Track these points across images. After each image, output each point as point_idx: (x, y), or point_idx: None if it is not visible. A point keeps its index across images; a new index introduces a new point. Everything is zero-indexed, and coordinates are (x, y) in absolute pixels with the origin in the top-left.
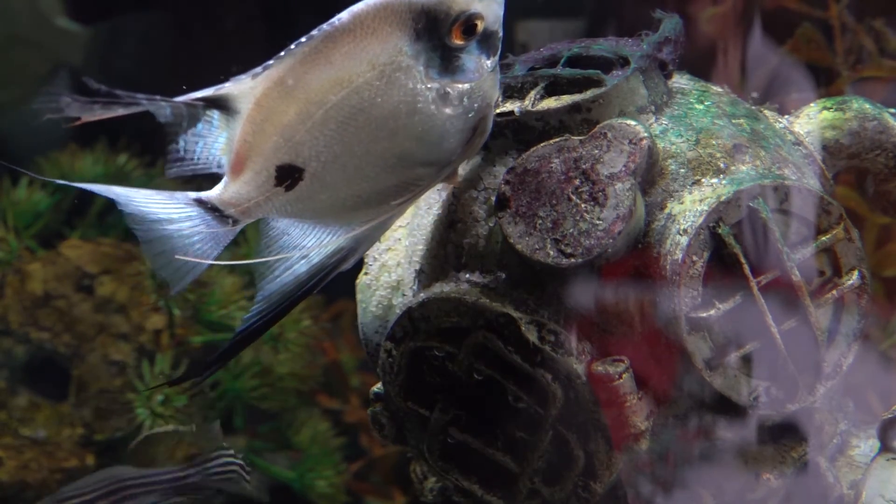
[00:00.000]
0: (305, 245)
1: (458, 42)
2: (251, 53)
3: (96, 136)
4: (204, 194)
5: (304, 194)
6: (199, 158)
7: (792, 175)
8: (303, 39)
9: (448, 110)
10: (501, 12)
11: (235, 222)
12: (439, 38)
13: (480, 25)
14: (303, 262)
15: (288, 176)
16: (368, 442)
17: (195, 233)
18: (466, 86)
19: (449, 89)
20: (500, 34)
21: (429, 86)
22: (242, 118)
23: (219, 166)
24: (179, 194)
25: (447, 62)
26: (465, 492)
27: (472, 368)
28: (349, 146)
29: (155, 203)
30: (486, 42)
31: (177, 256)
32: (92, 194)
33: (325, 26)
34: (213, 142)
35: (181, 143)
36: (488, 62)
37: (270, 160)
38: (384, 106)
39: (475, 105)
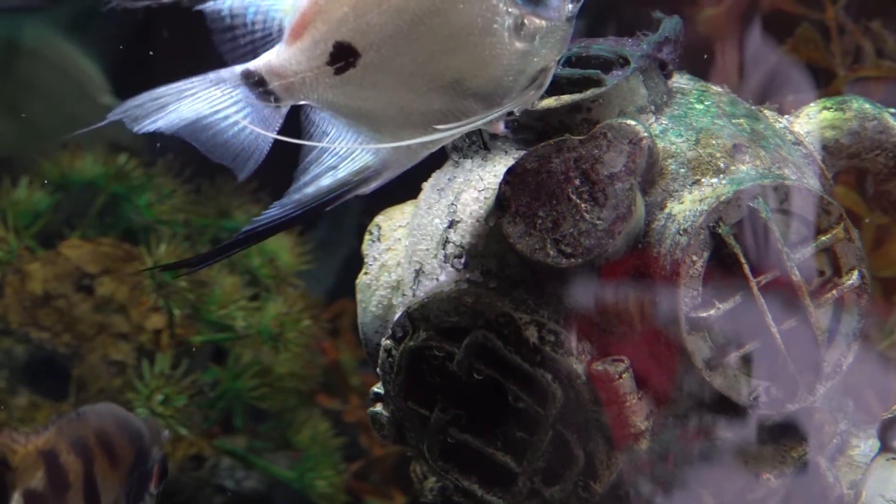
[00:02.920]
0: (338, 153)
1: None
2: None
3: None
4: (251, 64)
5: (351, 83)
6: (252, 22)
7: (792, 175)
8: None
9: (519, 44)
10: None
11: (279, 101)
12: None
13: None
14: (329, 174)
15: (343, 56)
16: (368, 442)
17: (243, 116)
18: (543, 23)
19: (527, 21)
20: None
21: (510, 9)
22: None
23: (279, 29)
24: (224, 71)
25: None
26: (465, 492)
27: (472, 368)
28: (413, 46)
29: (194, 95)
30: None
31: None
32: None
33: None
34: (275, 1)
35: (226, 4)
36: (570, 5)
37: (333, 32)
38: (462, 14)
39: (543, 50)
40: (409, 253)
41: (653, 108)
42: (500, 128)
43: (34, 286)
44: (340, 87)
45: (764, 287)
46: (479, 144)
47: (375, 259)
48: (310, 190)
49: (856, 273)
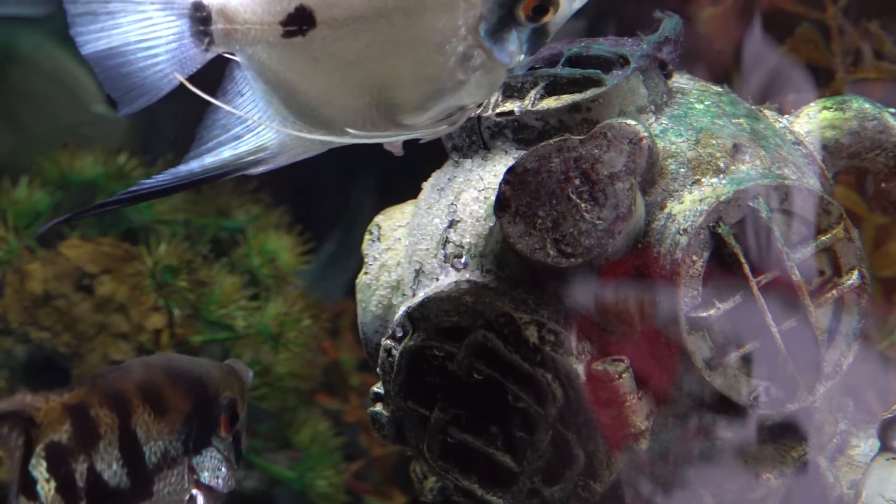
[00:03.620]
0: (247, 124)
1: (523, 16)
2: None
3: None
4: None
5: (292, 50)
6: None
7: (792, 175)
8: None
9: (460, 74)
10: (570, 14)
11: (211, 45)
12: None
13: (551, 14)
14: (232, 143)
15: (299, 21)
16: (368, 442)
17: (167, 50)
18: (488, 62)
19: (476, 54)
20: (547, 40)
21: (469, 37)
22: None
23: None
24: None
25: (499, 28)
26: (465, 491)
27: (472, 368)
28: (368, 35)
29: (139, 7)
30: (539, 35)
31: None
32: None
33: None
34: None
35: None
36: (520, 58)
37: None
38: (426, 22)
39: (475, 89)
40: (409, 253)
41: (653, 107)
42: (398, 149)
43: (34, 286)
44: (280, 50)
45: (764, 287)
46: (479, 144)
47: (375, 259)
48: (209, 159)
49: (856, 273)
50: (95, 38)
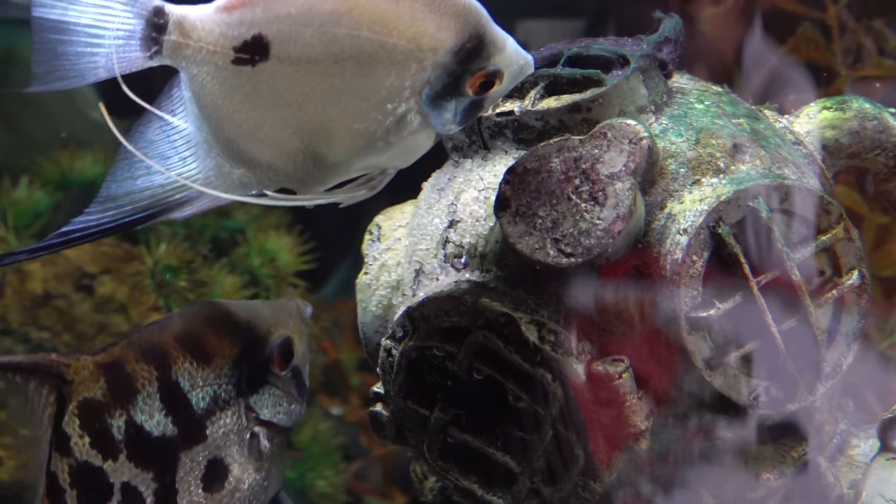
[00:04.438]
0: (178, 154)
1: (469, 91)
2: None
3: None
4: (169, 6)
5: (238, 78)
6: None
7: (792, 175)
8: None
9: (392, 136)
10: (518, 80)
11: (157, 54)
12: (464, 69)
13: (496, 87)
14: (157, 177)
15: (251, 50)
16: (368, 442)
17: (111, 44)
18: (422, 127)
19: (411, 117)
20: (481, 112)
21: (411, 99)
22: None
23: None
24: None
25: (441, 96)
26: (465, 491)
27: (472, 368)
28: (316, 78)
29: None
30: (475, 107)
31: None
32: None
33: None
34: None
35: None
36: (452, 126)
37: (262, 23)
38: (376, 74)
39: (401, 152)
40: (409, 253)
41: (653, 107)
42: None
43: (34, 286)
44: (225, 76)
45: (764, 287)
46: (479, 144)
47: (375, 259)
48: (140, 184)
49: (856, 273)
50: (51, 6)
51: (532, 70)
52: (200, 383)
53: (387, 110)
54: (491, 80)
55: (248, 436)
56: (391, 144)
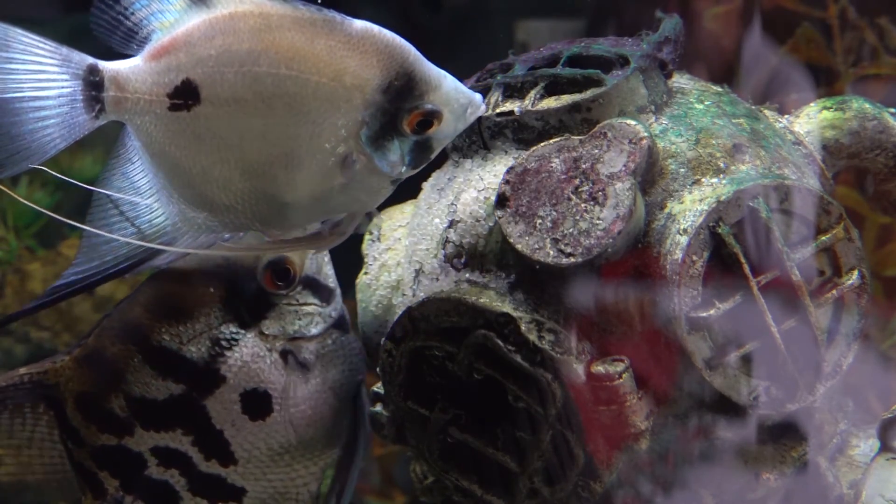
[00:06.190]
0: (145, 201)
1: (406, 129)
2: None
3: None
4: (102, 63)
5: (178, 124)
6: (131, 15)
7: (792, 175)
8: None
9: (340, 176)
10: (455, 133)
11: (101, 112)
12: (397, 108)
13: (435, 127)
14: (131, 227)
15: (185, 95)
16: None
17: (57, 113)
18: (368, 168)
19: (356, 158)
20: (432, 155)
21: (350, 139)
22: (208, 13)
23: (140, 41)
24: (77, 54)
25: (380, 136)
26: (465, 491)
27: (472, 368)
28: (247, 118)
29: (36, 58)
30: (422, 148)
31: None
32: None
33: (335, 14)
34: (161, 11)
35: None
36: (403, 169)
37: (189, 68)
38: (305, 113)
39: (359, 194)
40: (409, 253)
41: (653, 107)
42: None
43: (34, 286)
44: (166, 123)
45: (764, 287)
46: (479, 144)
47: (375, 259)
48: (116, 231)
49: (856, 273)
50: None
51: (482, 110)
52: (188, 337)
53: (325, 150)
54: (429, 119)
55: (276, 357)
56: (344, 186)
